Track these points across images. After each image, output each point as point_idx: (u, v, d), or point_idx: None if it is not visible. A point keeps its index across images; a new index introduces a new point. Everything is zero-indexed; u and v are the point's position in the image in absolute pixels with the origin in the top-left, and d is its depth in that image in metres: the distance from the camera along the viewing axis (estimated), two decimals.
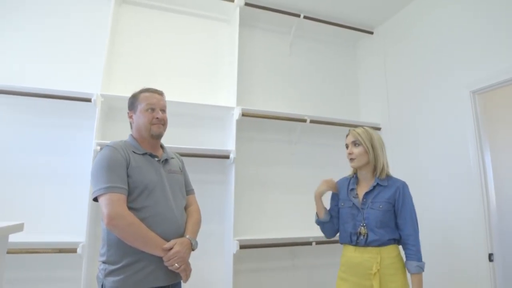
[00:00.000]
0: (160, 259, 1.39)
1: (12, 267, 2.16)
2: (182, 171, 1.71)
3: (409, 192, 1.73)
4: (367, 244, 1.66)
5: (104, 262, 1.40)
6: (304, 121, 2.81)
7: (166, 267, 1.40)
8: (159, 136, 1.60)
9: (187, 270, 1.46)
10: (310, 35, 3.28)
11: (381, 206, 1.67)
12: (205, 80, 2.88)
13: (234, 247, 2.41)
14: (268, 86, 3.07)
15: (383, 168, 1.74)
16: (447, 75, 2.46)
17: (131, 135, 1.62)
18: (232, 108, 2.64)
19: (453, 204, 2.35)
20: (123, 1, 2.74)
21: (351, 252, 1.72)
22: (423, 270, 1.62)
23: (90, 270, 2.26)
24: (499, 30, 2.14)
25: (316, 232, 2.77)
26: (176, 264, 1.39)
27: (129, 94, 2.39)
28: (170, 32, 2.85)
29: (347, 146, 1.81)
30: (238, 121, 2.62)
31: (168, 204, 1.48)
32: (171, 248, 1.40)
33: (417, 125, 2.68)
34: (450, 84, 2.43)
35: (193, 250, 1.50)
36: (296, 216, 2.86)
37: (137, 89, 1.68)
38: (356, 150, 1.75)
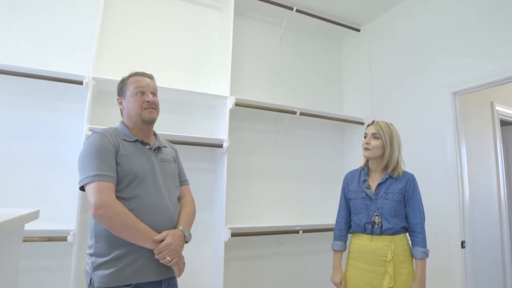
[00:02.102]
0: (151, 252, 1.31)
1: None
2: (176, 160, 1.63)
3: (417, 184, 1.85)
4: (382, 232, 1.75)
5: (91, 255, 1.32)
6: (294, 113, 2.88)
7: (158, 260, 1.31)
8: (151, 121, 1.50)
9: (180, 263, 1.36)
10: (299, 28, 3.33)
11: (394, 197, 1.77)
12: (195, 67, 2.85)
13: (226, 235, 2.45)
14: (258, 76, 3.10)
15: (396, 166, 1.82)
16: (430, 75, 2.63)
17: (122, 122, 1.53)
18: (226, 97, 2.65)
19: (431, 197, 2.53)
20: None
21: (364, 241, 1.80)
22: (427, 256, 1.74)
23: (81, 258, 2.20)
24: (481, 34, 2.31)
25: (303, 221, 2.91)
26: (168, 257, 1.30)
27: (120, 78, 2.37)
28: (160, 17, 2.77)
29: (365, 136, 1.89)
30: (230, 110, 2.63)
31: (159, 194, 1.40)
32: (162, 240, 1.30)
33: (399, 121, 2.80)
34: (432, 84, 2.60)
35: (186, 242, 1.43)
36: (284, 205, 2.95)
37: (127, 74, 1.61)
38: (374, 142, 1.82)
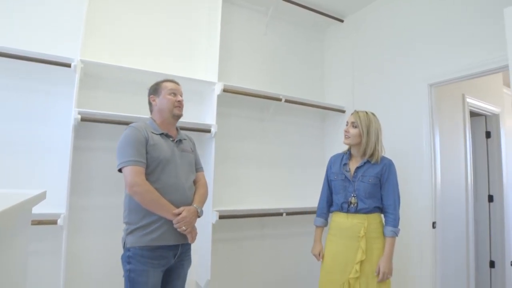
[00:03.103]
0: (171, 222, 1.66)
1: None
2: (193, 151, 1.96)
3: (394, 170, 2.03)
4: (357, 211, 1.96)
5: (126, 223, 1.71)
6: (280, 100, 2.96)
7: (176, 229, 1.67)
8: (179, 116, 1.87)
9: (193, 232, 1.75)
10: (285, 17, 3.38)
11: (370, 180, 1.97)
12: (184, 53, 2.85)
13: (213, 218, 2.53)
14: (245, 63, 3.14)
15: (373, 153, 1.99)
16: (408, 67, 2.77)
17: (151, 117, 1.88)
18: (214, 83, 2.68)
19: (406, 182, 2.71)
20: None
21: (342, 218, 2.02)
22: (396, 235, 1.95)
23: (71, 242, 2.22)
24: (458, 29, 2.46)
25: (287, 204, 3.03)
26: (183, 227, 1.66)
27: (109, 62, 2.35)
28: (149, 2, 2.74)
29: (347, 123, 2.07)
30: (219, 96, 2.67)
31: (178, 177, 1.75)
32: (179, 214, 1.66)
33: (378, 111, 2.94)
34: (410, 76, 2.75)
35: (199, 217, 1.79)
36: (268, 189, 3.06)
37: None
38: (353, 131, 2.01)
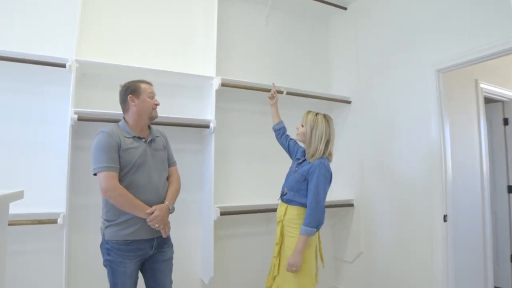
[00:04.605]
0: (145, 219, 1.76)
1: None
2: (166, 147, 2.01)
3: (322, 171, 2.03)
4: (283, 200, 2.18)
5: (104, 219, 1.81)
6: (281, 92, 2.88)
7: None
8: (155, 118, 1.94)
9: (166, 228, 1.84)
10: (285, 7, 3.29)
11: (296, 176, 2.12)
12: (182, 49, 2.82)
13: (215, 214, 2.50)
14: (245, 56, 3.08)
15: (314, 153, 2.08)
16: (415, 53, 2.64)
17: (124, 119, 1.90)
18: (212, 78, 2.64)
19: (415, 173, 2.60)
20: None
21: (279, 205, 2.25)
22: (307, 234, 1.97)
23: (72, 240, 2.24)
24: (466, 10, 2.32)
25: None
26: (156, 225, 1.76)
27: (105, 61, 2.35)
28: None
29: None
30: (217, 91, 2.63)
31: (150, 177, 1.82)
32: (152, 213, 1.76)
33: (385, 99, 2.87)
34: (417, 62, 2.61)
35: (171, 213, 1.88)
36: (272, 184, 2.99)
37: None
38: (300, 129, 2.18)
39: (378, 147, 2.93)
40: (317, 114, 2.14)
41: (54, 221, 2.08)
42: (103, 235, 1.80)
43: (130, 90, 1.86)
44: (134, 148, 1.79)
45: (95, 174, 1.73)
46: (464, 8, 2.32)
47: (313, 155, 2.08)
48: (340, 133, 3.30)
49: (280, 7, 3.26)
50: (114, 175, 1.71)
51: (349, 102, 3.19)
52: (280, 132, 2.43)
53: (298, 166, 2.17)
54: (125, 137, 1.80)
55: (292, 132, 2.33)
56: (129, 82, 1.89)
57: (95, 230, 2.31)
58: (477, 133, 3.04)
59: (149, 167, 1.82)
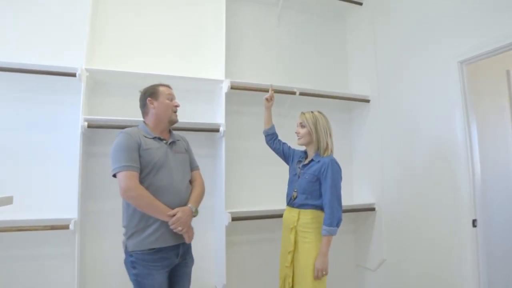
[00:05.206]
0: (166, 223, 1.67)
1: (2, 245, 2.17)
2: (187, 150, 1.98)
3: (334, 168, 1.97)
4: (294, 205, 2.07)
5: (124, 227, 1.72)
6: (294, 93, 2.80)
7: (173, 230, 1.69)
8: (175, 122, 1.91)
9: (189, 232, 1.76)
10: (298, 6, 3.21)
11: (307, 177, 2.04)
12: (192, 53, 2.82)
13: (226, 219, 2.44)
14: (257, 59, 3.03)
15: (326, 148, 2.03)
16: (435, 45, 2.46)
17: (144, 122, 1.88)
18: (221, 81, 2.61)
19: (440, 174, 2.41)
20: None
21: (286, 211, 2.17)
22: (330, 234, 1.91)
23: (83, 245, 2.28)
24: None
25: None
26: (179, 227, 1.67)
27: (116, 68, 2.39)
28: (155, 4, 2.75)
29: (297, 125, 2.14)
30: (227, 94, 2.59)
31: (172, 179, 1.75)
32: (174, 215, 1.67)
33: (406, 96, 2.70)
34: (438, 54, 2.43)
35: (194, 216, 1.79)
36: (283, 188, 2.89)
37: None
38: (302, 130, 2.09)
39: (399, 147, 2.76)
40: (312, 111, 2.12)
41: (66, 227, 2.12)
42: (125, 248, 1.70)
43: (149, 93, 1.85)
44: (155, 149, 1.74)
45: (114, 176, 1.67)
46: None
47: (325, 150, 2.03)
48: (360, 133, 3.16)
49: (292, 7, 3.19)
50: (135, 175, 1.65)
51: (368, 101, 3.03)
52: (273, 137, 2.36)
53: (304, 168, 2.09)
54: (146, 137, 1.76)
55: (290, 137, 2.23)
56: (147, 87, 1.89)
57: (110, 235, 2.38)
58: (510, 130, 2.77)
59: (170, 168, 1.76)
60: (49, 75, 2.22)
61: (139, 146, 1.70)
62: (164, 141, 1.82)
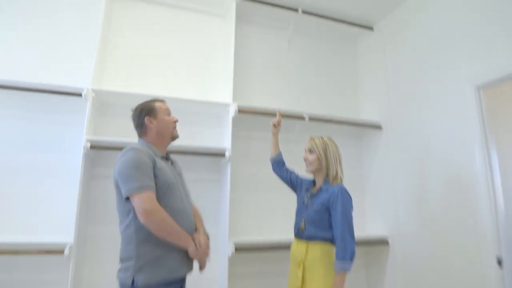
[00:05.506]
0: (181, 250, 1.52)
1: None
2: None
3: (345, 197, 1.83)
4: (302, 237, 1.91)
5: (131, 259, 1.46)
6: (303, 118, 2.72)
7: (187, 257, 1.54)
8: (177, 138, 1.79)
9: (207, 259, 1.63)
10: (309, 30, 3.20)
11: (315, 207, 1.89)
12: (201, 76, 2.81)
13: (229, 250, 2.31)
14: (266, 83, 2.99)
15: (336, 176, 1.91)
16: (449, 69, 2.37)
17: (144, 140, 1.70)
18: (228, 105, 2.56)
19: (457, 206, 2.24)
20: None
21: (294, 243, 2.00)
22: (344, 270, 1.71)
23: (78, 272, 2.17)
24: (504, 20, 2.05)
25: None
26: (205, 257, 1.58)
27: (123, 90, 2.37)
28: (164, 26, 2.78)
29: (305, 151, 2.03)
30: (234, 118, 2.54)
31: (183, 201, 1.62)
32: (198, 241, 1.55)
33: (419, 123, 2.58)
34: (452, 79, 2.34)
35: None
36: (291, 217, 2.75)
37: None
38: (311, 156, 1.97)
39: (413, 177, 2.60)
40: (321, 137, 2.02)
41: (60, 252, 2.02)
42: (131, 284, 1.42)
43: (146, 112, 1.70)
44: (167, 168, 1.61)
45: (127, 198, 1.46)
46: (504, 14, 2.05)
47: (334, 179, 1.91)
48: (371, 161, 3.02)
49: (303, 31, 3.18)
50: (153, 196, 1.46)
51: (379, 128, 2.92)
52: (280, 165, 2.24)
53: (312, 197, 1.95)
54: (156, 156, 1.61)
55: (299, 164, 2.12)
56: (141, 104, 1.74)
57: (109, 261, 2.26)
58: None
59: (180, 190, 1.63)
60: (55, 94, 2.22)
61: (154, 164, 1.53)
62: (169, 161, 1.72)
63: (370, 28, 3.13)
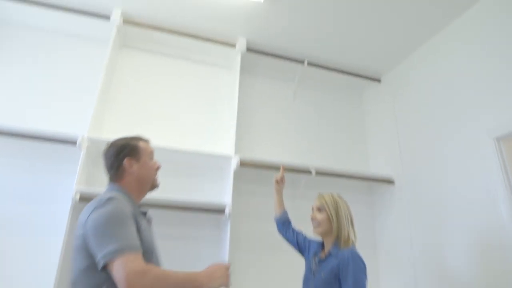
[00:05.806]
0: None
1: None
2: None
3: (357, 265, 1.59)
4: None
5: None
6: (309, 172, 2.56)
7: None
8: (157, 187, 1.51)
9: None
10: (315, 82, 3.18)
11: (323, 275, 1.66)
12: (204, 128, 2.72)
13: None
14: (271, 135, 2.90)
15: (347, 239, 1.69)
16: (465, 121, 2.24)
17: (120, 186, 1.38)
18: (230, 157, 2.43)
19: (483, 268, 1.98)
20: (124, 45, 2.71)
21: None
22: None
23: None
24: None
25: None
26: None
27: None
28: (167, 77, 2.77)
29: (312, 209, 1.83)
30: (236, 172, 2.40)
31: (159, 263, 1.33)
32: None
33: (435, 176, 2.41)
34: (469, 130, 2.20)
35: None
36: (298, 281, 2.48)
37: (128, 135, 1.52)
38: (320, 216, 1.76)
39: (433, 237, 2.36)
40: (331, 194, 1.82)
41: None
42: None
43: (127, 152, 1.41)
44: (146, 227, 1.32)
45: (104, 266, 1.08)
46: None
47: (346, 242, 1.69)
48: (384, 219, 2.81)
49: (309, 82, 3.16)
50: (140, 256, 1.11)
51: (391, 182, 2.74)
52: (286, 224, 2.05)
53: (320, 263, 1.72)
54: (134, 209, 1.31)
55: (306, 222, 1.92)
56: (121, 141, 1.45)
57: None
58: None
59: (157, 250, 1.34)
60: (48, 141, 2.12)
61: (136, 222, 1.23)
62: (144, 214, 1.42)
63: (378, 80, 3.10)
